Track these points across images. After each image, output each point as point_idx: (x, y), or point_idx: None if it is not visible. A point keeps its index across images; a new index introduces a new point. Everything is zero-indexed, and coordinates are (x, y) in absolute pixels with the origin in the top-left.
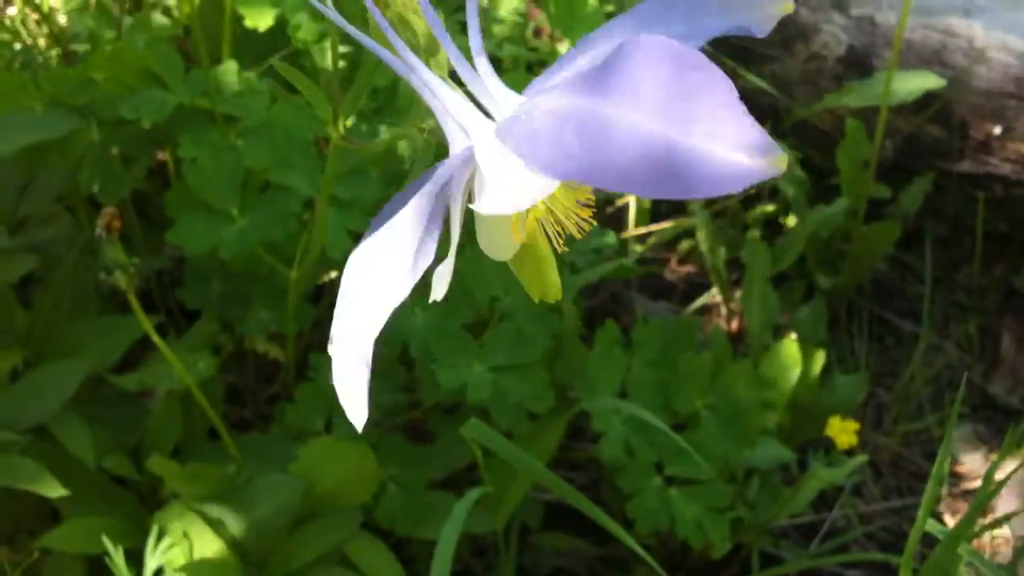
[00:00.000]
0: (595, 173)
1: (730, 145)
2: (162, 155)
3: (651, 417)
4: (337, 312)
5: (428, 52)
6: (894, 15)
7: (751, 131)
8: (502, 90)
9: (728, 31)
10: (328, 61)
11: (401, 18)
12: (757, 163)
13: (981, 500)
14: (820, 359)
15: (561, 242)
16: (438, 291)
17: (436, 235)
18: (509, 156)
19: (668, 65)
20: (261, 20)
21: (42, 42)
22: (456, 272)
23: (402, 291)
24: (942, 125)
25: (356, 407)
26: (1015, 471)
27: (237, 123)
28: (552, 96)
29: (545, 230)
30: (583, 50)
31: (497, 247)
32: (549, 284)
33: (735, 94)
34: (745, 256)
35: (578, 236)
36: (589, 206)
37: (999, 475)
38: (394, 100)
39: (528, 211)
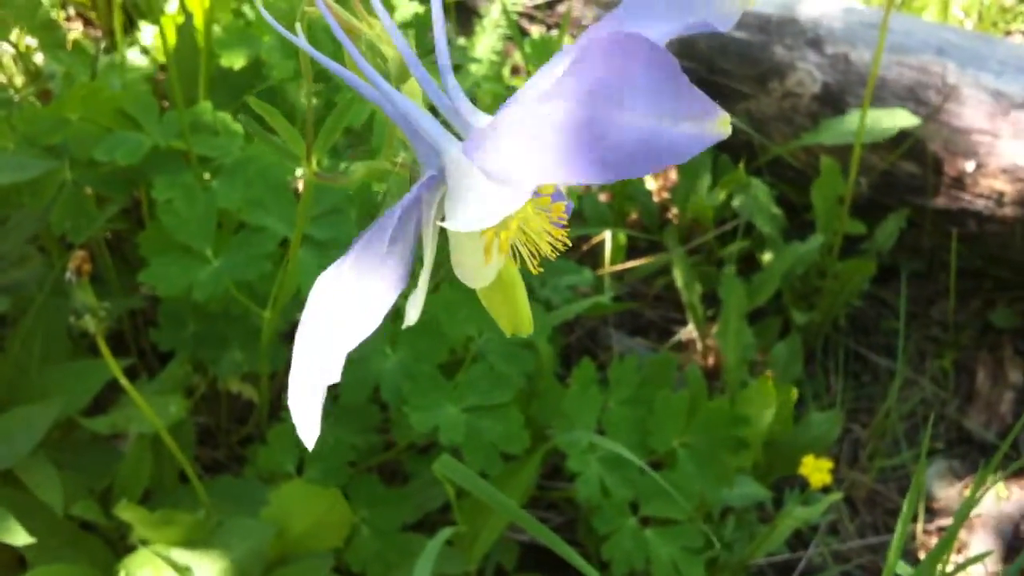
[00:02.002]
0: (561, 169)
1: (680, 117)
2: (136, 194)
3: (626, 452)
4: (300, 335)
5: (399, 79)
6: (868, 53)
7: (694, 102)
8: (471, 110)
9: (687, 31)
10: (303, 98)
11: (371, 46)
12: (703, 128)
13: (949, 537)
14: (794, 396)
15: (536, 263)
16: (411, 316)
17: (408, 260)
18: (477, 172)
19: (616, 58)
20: (236, 59)
21: (18, 80)
22: (429, 313)
23: (373, 317)
24: (916, 162)
25: (308, 430)
26: (970, 501)
27: (212, 163)
28: (513, 108)
29: (519, 253)
30: (544, 71)
31: (472, 272)
32: (520, 317)
33: (676, 69)
34: (721, 292)
35: (553, 257)
36: (563, 225)
37: (975, 511)
38: (368, 139)
39: (500, 231)
